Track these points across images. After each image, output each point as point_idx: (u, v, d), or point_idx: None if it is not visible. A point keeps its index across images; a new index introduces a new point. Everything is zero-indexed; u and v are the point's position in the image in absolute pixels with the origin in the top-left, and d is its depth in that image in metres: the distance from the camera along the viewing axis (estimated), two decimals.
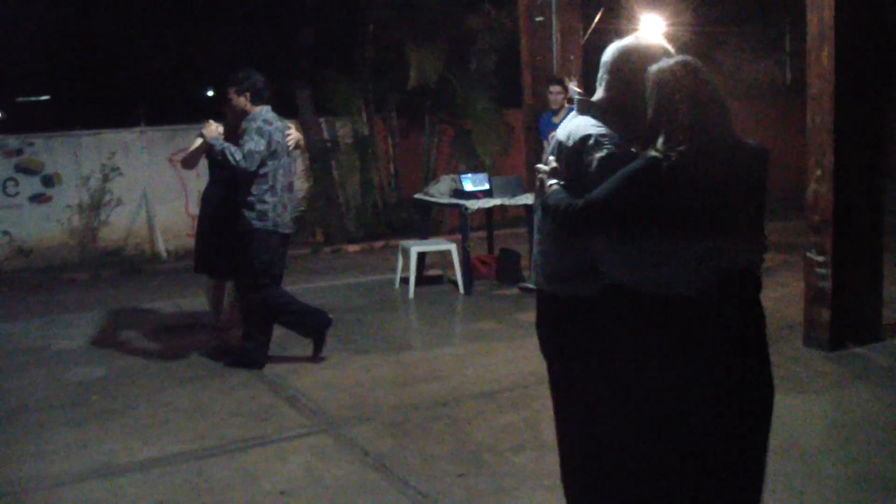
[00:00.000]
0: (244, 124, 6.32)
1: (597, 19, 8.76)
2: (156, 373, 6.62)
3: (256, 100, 6.41)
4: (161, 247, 12.40)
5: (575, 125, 2.96)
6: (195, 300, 9.13)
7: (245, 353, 6.63)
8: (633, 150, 2.82)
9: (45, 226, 11.87)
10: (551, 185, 2.90)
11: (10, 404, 5.98)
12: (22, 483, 4.60)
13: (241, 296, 6.71)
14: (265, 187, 6.31)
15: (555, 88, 8.59)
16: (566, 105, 8.43)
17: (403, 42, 13.24)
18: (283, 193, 6.43)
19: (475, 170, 11.26)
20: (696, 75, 2.72)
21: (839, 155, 6.08)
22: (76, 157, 12.06)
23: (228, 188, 6.62)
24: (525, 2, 9.29)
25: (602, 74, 3.03)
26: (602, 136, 2.83)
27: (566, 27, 9.03)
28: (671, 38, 11.92)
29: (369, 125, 13.85)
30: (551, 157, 3.00)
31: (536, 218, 3.16)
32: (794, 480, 4.19)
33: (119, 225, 12.37)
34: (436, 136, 14.33)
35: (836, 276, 6.21)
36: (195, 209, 12.73)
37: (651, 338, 2.83)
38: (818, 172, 6.19)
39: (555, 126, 7.13)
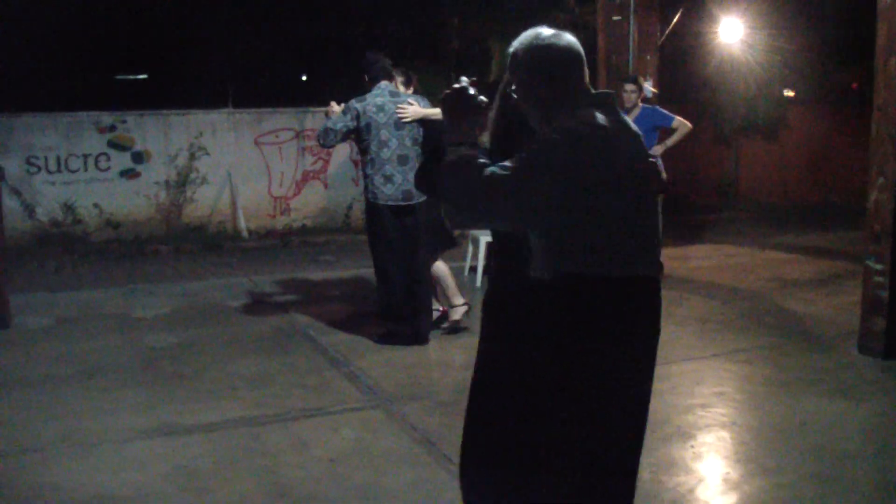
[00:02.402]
0: None
1: (674, 21, 8.82)
2: (226, 343, 6.96)
3: (373, 79, 6.80)
4: (242, 225, 12.81)
5: None
6: (271, 277, 9.51)
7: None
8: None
9: (133, 200, 12.33)
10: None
11: (88, 364, 6.37)
12: (94, 436, 4.95)
13: None
14: (365, 160, 6.71)
15: (629, 87, 8.57)
16: (640, 104, 8.53)
17: (487, 36, 13.43)
18: (386, 166, 6.60)
19: None
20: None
21: None
22: (165, 135, 12.50)
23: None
24: (602, 1, 9.36)
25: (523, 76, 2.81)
26: None
27: (643, 27, 9.10)
28: (750, 41, 11.94)
29: None
30: None
31: None
32: (822, 482, 4.28)
33: (203, 203, 12.78)
34: None
35: (893, 286, 6.20)
36: (278, 190, 13.21)
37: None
38: (880, 181, 6.17)
39: None
